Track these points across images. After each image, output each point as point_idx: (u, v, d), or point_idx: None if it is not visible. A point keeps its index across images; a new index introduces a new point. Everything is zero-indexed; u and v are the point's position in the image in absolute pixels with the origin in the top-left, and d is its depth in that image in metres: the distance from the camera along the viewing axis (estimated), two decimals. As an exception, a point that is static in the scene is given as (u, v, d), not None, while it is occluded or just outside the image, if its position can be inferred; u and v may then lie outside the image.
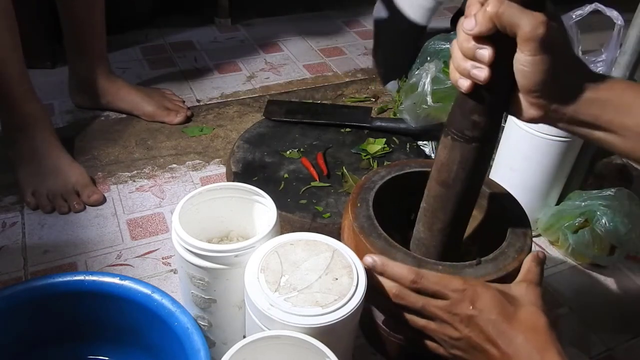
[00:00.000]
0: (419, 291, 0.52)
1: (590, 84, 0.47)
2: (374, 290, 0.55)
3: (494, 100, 0.49)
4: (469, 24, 0.45)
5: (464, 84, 0.48)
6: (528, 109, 0.49)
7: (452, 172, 0.54)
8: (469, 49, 0.46)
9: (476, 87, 0.48)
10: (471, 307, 0.50)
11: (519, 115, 0.50)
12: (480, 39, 0.46)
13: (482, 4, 0.45)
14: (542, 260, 0.57)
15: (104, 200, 0.95)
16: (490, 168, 0.96)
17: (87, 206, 0.94)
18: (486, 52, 0.45)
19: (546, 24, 0.43)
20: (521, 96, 0.48)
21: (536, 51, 0.44)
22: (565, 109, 0.47)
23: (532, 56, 0.44)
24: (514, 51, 0.46)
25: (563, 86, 0.47)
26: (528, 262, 0.56)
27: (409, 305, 0.53)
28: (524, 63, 0.45)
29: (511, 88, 0.49)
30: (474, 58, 0.46)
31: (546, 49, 0.44)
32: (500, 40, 0.45)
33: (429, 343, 0.55)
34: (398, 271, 0.53)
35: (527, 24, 0.43)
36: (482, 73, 0.46)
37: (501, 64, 0.46)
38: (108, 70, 1.14)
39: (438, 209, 0.58)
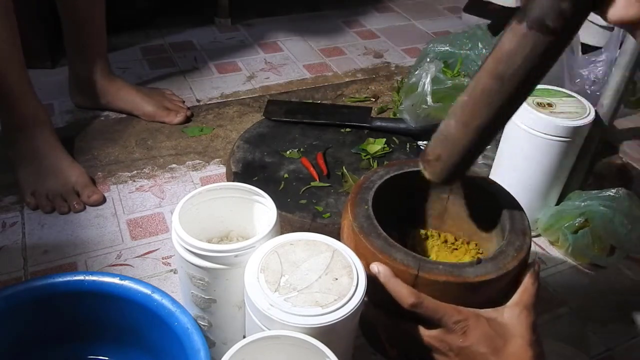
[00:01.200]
0: (415, 314, 0.54)
1: None
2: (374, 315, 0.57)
3: None
4: None
5: None
6: (629, 5, 0.41)
7: (514, 65, 0.49)
8: None
9: None
10: (461, 340, 0.53)
11: (613, 14, 0.43)
12: None
13: None
14: (538, 275, 0.58)
15: (104, 200, 0.96)
16: (490, 168, 0.96)
17: (87, 206, 0.94)
18: None
19: None
20: None
21: None
22: None
23: None
24: None
25: None
26: (526, 281, 0.57)
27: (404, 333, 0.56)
28: None
29: None
30: None
31: None
32: None
33: None
34: (399, 290, 0.54)
35: None
36: None
37: None
38: (108, 70, 1.14)
39: (483, 103, 0.52)
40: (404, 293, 0.54)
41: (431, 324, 0.55)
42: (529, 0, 0.47)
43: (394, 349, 0.60)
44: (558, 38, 0.47)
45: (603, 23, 1.03)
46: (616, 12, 0.42)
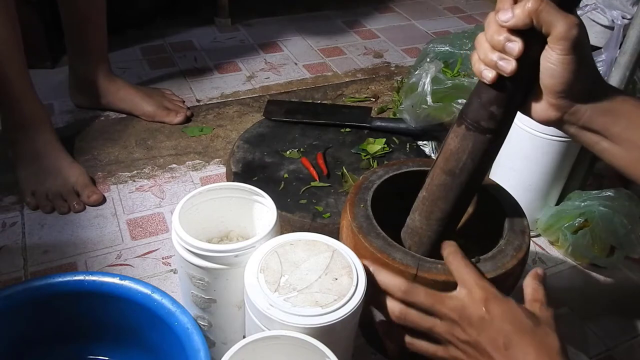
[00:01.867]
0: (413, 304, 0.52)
1: (608, 93, 0.49)
2: (376, 289, 0.55)
3: (514, 94, 0.51)
4: (505, 16, 0.47)
5: (489, 74, 0.49)
6: (547, 110, 0.50)
7: (460, 161, 0.55)
8: (499, 41, 0.48)
9: (499, 79, 0.49)
10: (484, 310, 0.49)
11: (536, 115, 0.51)
12: (511, 32, 0.47)
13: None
14: (544, 278, 0.55)
15: (103, 201, 0.96)
16: (490, 168, 0.96)
17: (87, 206, 0.94)
18: (516, 45, 0.47)
19: (579, 27, 0.46)
20: (542, 97, 0.50)
21: (567, 51, 0.46)
22: (582, 113, 0.49)
23: (563, 55, 0.46)
24: (539, 49, 0.47)
25: (585, 89, 0.48)
26: (532, 282, 0.54)
27: (417, 303, 0.52)
28: (554, 62, 0.47)
29: (531, 86, 0.50)
30: (502, 50, 0.48)
31: (576, 50, 0.46)
32: (529, 36, 0.47)
33: (427, 346, 0.54)
34: (390, 281, 0.54)
35: (563, 24, 0.45)
36: (509, 65, 0.48)
37: (526, 60, 0.48)
38: (108, 70, 1.14)
39: (440, 198, 0.58)
40: (395, 282, 0.53)
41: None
42: (465, 105, 0.54)
43: (394, 344, 0.59)
44: (494, 134, 0.53)
45: (604, 22, 1.04)
46: (541, 116, 0.51)
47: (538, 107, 0.51)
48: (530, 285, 0.55)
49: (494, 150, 0.55)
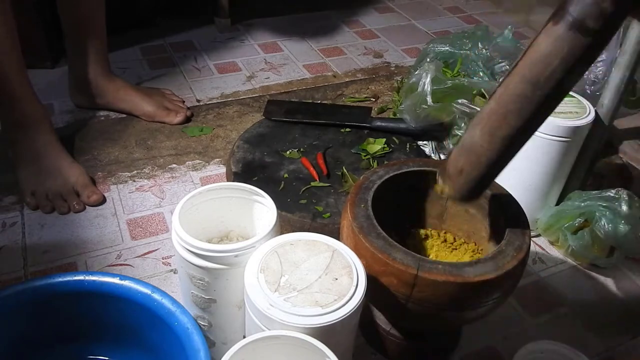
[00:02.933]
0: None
1: None
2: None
3: None
4: None
5: None
6: None
7: (549, 67, 0.46)
8: None
9: None
10: None
11: None
12: None
13: None
14: None
15: (103, 201, 0.96)
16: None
17: (87, 206, 0.94)
18: None
19: None
20: None
21: None
22: None
23: None
24: None
25: None
26: None
27: None
28: None
29: None
30: None
31: None
32: None
33: None
34: None
35: None
36: None
37: None
38: (108, 70, 1.14)
39: (512, 111, 0.49)
40: None
41: None
42: (566, 1, 0.45)
43: None
44: (597, 40, 0.45)
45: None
46: None
47: None
48: None
49: (591, 59, 0.47)
